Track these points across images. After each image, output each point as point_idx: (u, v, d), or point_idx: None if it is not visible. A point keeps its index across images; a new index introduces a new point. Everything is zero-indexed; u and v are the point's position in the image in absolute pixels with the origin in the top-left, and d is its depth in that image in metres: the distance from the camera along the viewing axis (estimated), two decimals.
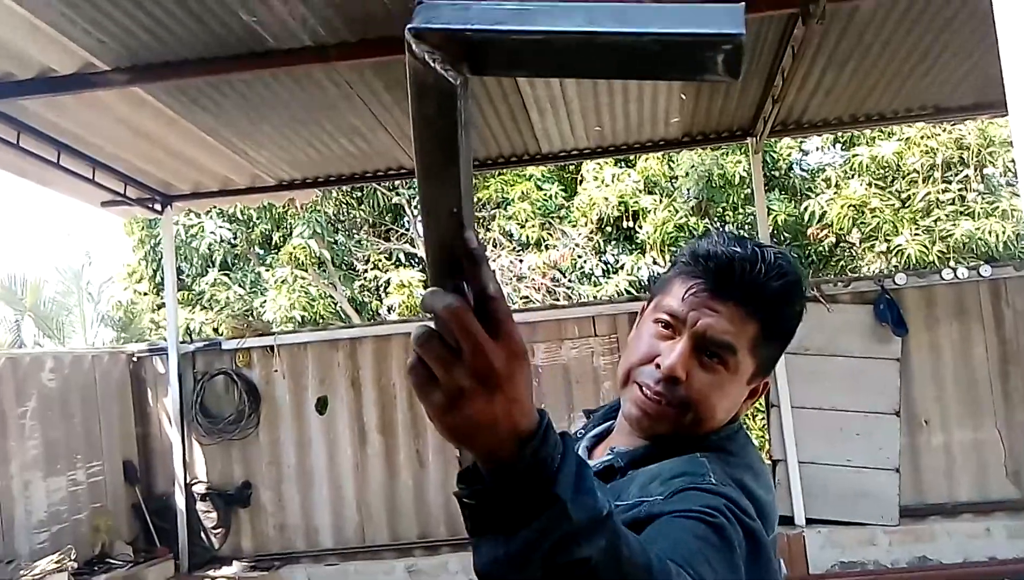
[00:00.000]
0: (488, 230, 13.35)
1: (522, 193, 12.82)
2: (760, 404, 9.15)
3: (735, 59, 0.62)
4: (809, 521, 6.61)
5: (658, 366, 1.21)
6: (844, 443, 6.66)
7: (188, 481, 7.39)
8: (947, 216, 10.94)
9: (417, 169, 0.69)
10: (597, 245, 12.89)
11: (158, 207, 7.40)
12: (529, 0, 0.67)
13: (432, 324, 0.73)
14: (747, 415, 9.78)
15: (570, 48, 0.65)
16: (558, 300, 12.40)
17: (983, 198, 11.05)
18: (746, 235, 1.31)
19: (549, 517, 0.72)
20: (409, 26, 0.67)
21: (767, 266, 1.20)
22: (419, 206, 0.74)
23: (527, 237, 12.80)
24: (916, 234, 10.79)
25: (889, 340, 6.69)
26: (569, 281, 12.94)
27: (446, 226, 0.69)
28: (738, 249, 1.22)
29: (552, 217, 13.06)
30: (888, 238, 11.05)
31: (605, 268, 13.10)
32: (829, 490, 6.67)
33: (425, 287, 1.05)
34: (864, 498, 6.59)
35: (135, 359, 7.69)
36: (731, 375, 1.21)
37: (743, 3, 0.64)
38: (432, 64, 0.67)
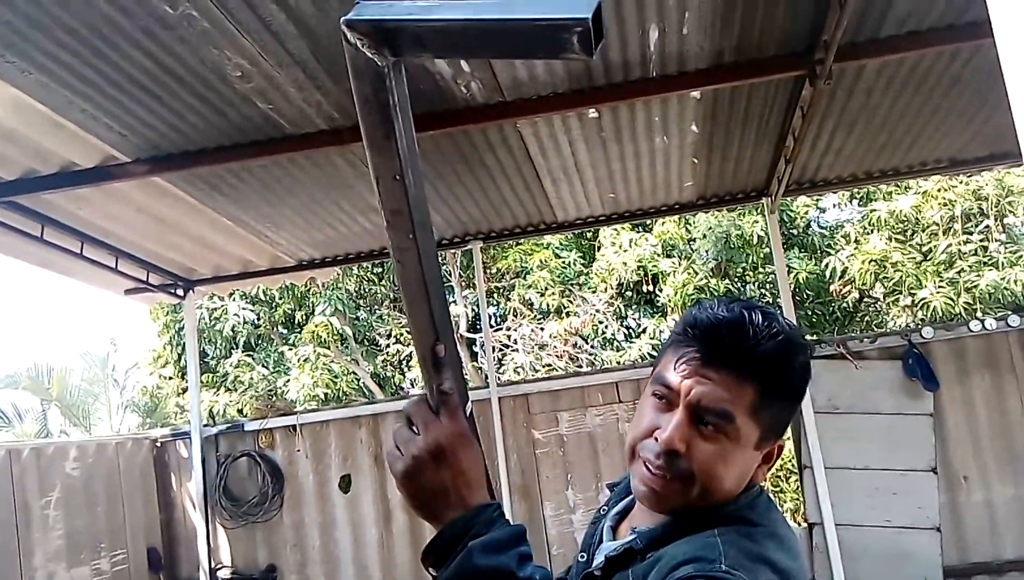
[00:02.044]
0: (508, 300, 13.38)
1: (541, 261, 12.88)
2: (793, 466, 8.94)
3: (586, 39, 0.75)
4: None
5: (657, 440, 1.19)
6: (882, 503, 6.47)
7: (213, 566, 7.29)
8: (970, 267, 10.84)
9: (364, 143, 0.87)
10: (618, 310, 12.86)
11: (180, 292, 7.48)
12: None
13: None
14: (781, 478, 9.58)
15: (461, 32, 0.81)
16: (581, 367, 12.32)
17: (1006, 248, 10.96)
18: (742, 298, 1.30)
19: (460, 561, 0.98)
20: (343, 18, 0.83)
21: (756, 328, 1.17)
22: (371, 176, 0.95)
23: (547, 305, 12.81)
24: (940, 286, 10.68)
25: (921, 395, 6.55)
26: (591, 347, 12.88)
27: (393, 194, 0.91)
28: (725, 314, 1.20)
29: (572, 284, 13.08)
30: (912, 292, 10.94)
31: (627, 333, 13.05)
32: (869, 552, 6.45)
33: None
34: (906, 559, 6.37)
35: (158, 445, 7.67)
36: (734, 443, 1.18)
37: None
38: (362, 49, 0.83)
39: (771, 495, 1.31)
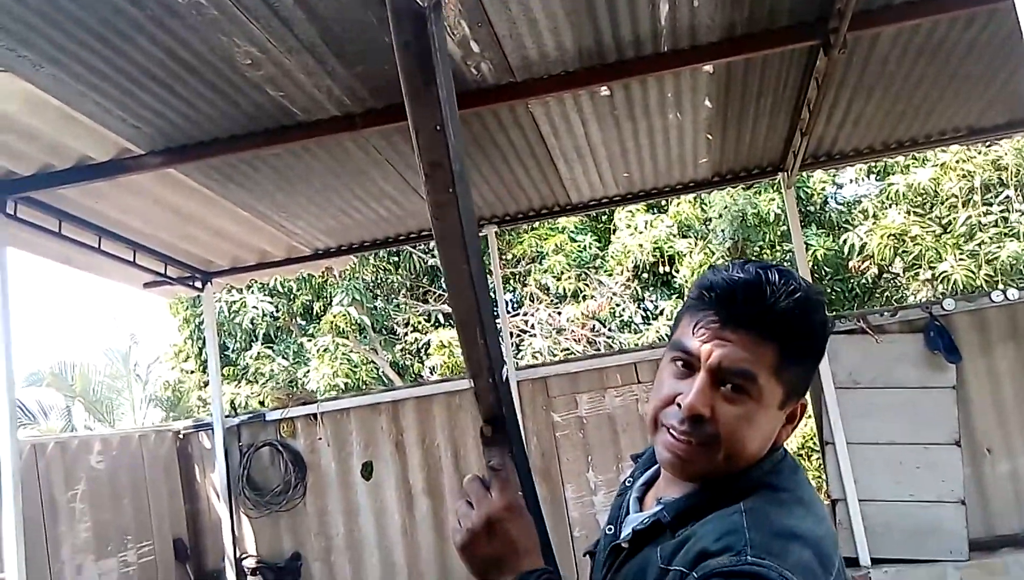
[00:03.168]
0: (525, 285, 13.37)
1: (556, 246, 12.86)
2: (814, 443, 8.89)
3: None
4: (875, 561, 6.33)
5: (680, 406, 1.18)
6: (905, 478, 6.42)
7: (238, 556, 7.36)
8: (991, 239, 10.71)
9: (404, 93, 0.84)
10: (635, 292, 12.82)
11: (198, 284, 7.53)
12: None
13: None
14: (803, 455, 9.54)
15: None
16: (599, 350, 12.30)
17: None
18: (753, 259, 1.28)
19: None
20: None
21: (772, 286, 1.16)
22: (409, 126, 0.91)
23: (564, 289, 12.78)
24: (961, 259, 10.57)
25: (943, 368, 6.48)
26: (609, 330, 12.86)
27: (433, 146, 0.87)
28: (740, 275, 1.19)
29: (588, 267, 13.05)
30: (932, 265, 10.83)
31: (645, 315, 13.01)
32: (893, 528, 6.41)
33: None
34: (931, 534, 6.32)
35: (181, 436, 7.74)
36: (757, 404, 1.17)
37: None
38: None
39: (793, 457, 1.30)
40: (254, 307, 13.56)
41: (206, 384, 14.14)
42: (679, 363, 1.21)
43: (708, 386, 1.16)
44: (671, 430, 1.19)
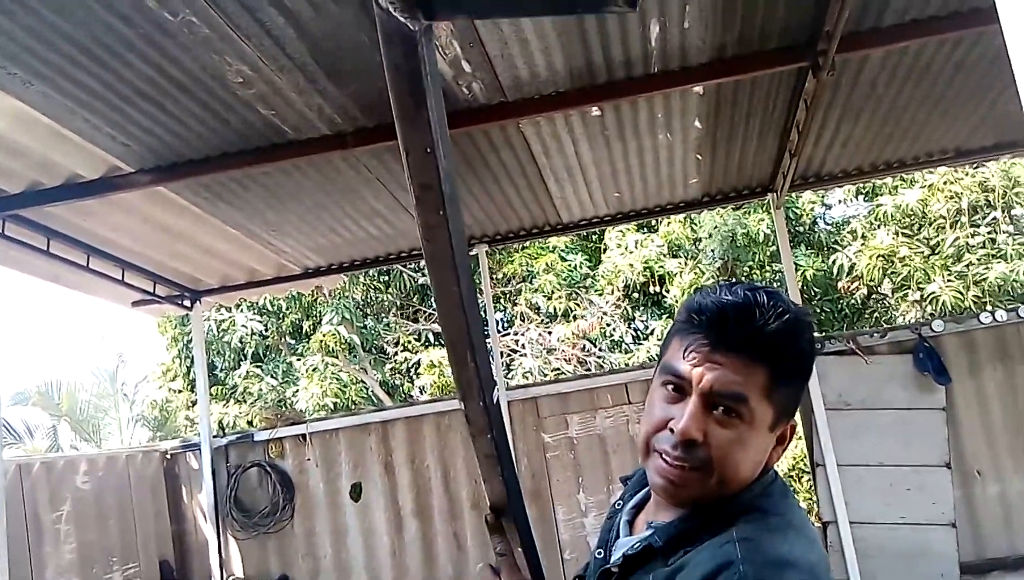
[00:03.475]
0: (515, 304, 13.35)
1: (547, 265, 12.86)
2: (805, 464, 8.88)
3: None
4: None
5: (672, 431, 1.17)
6: (896, 500, 6.41)
7: (225, 577, 7.27)
8: (979, 260, 10.78)
9: (395, 115, 0.83)
10: (625, 312, 12.82)
11: (188, 303, 7.49)
12: None
13: None
14: (794, 477, 9.51)
15: None
16: (589, 370, 12.28)
17: (1014, 239, 10.89)
18: (743, 280, 1.27)
19: None
20: None
21: (761, 309, 1.16)
22: (400, 148, 0.90)
23: (554, 309, 12.77)
24: (949, 280, 10.62)
25: (932, 389, 6.49)
26: (600, 350, 12.84)
27: (424, 168, 0.87)
28: (729, 297, 1.18)
29: (578, 287, 13.05)
30: (921, 286, 10.88)
31: (635, 335, 13.01)
32: (885, 550, 6.39)
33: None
34: (922, 557, 6.31)
35: (168, 456, 7.67)
36: (749, 426, 1.16)
37: None
38: (393, 12, 0.79)
39: (783, 480, 1.29)
40: (243, 326, 13.50)
41: (194, 403, 14.02)
42: (670, 387, 1.20)
43: (700, 410, 1.15)
44: (664, 455, 1.18)
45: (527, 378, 12.19)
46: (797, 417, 1.32)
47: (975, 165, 10.13)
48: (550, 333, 12.81)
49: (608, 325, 12.79)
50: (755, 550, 1.08)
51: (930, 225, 11.45)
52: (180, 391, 15.01)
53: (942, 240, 11.17)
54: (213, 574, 7.23)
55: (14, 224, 5.14)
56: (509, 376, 12.31)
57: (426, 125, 0.86)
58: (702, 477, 1.16)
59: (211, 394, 12.16)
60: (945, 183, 11.07)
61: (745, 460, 1.17)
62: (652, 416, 1.22)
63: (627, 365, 11.73)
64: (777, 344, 1.16)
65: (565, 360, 12.63)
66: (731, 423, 1.15)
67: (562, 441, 7.14)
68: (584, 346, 12.73)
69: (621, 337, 12.81)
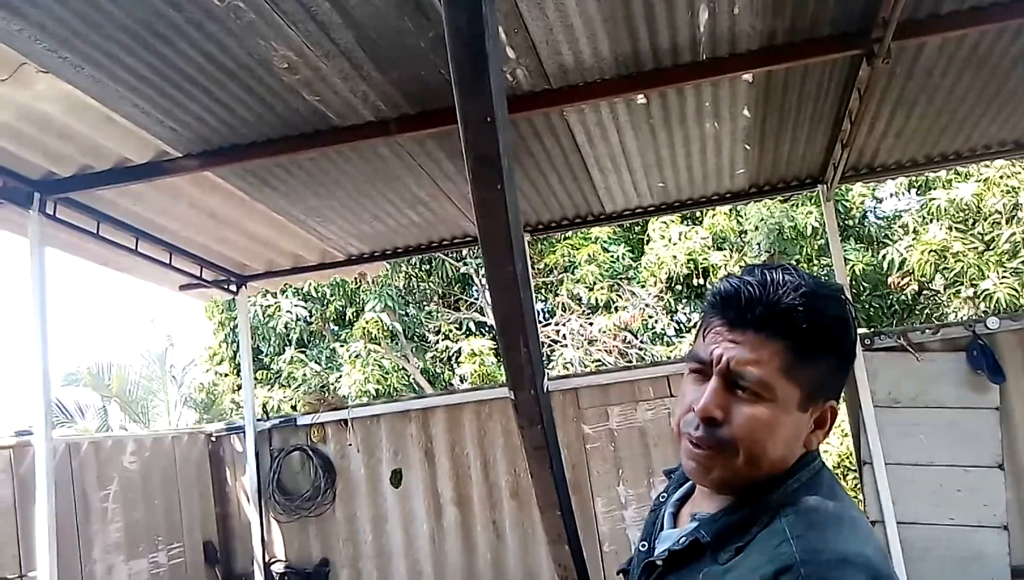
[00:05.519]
0: (557, 295, 13.32)
1: (589, 256, 12.80)
2: (851, 462, 8.72)
3: None
4: None
5: (695, 412, 1.18)
6: (945, 501, 6.24)
7: (267, 560, 7.37)
8: None
9: (454, 82, 0.79)
10: (668, 304, 12.71)
11: (233, 288, 7.59)
12: None
13: None
14: (840, 474, 9.34)
15: None
16: (631, 362, 12.20)
17: None
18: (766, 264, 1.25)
19: None
20: None
21: (775, 285, 1.15)
22: (458, 118, 0.85)
23: (596, 300, 12.72)
24: (1004, 277, 10.33)
25: (986, 388, 6.31)
26: (641, 342, 12.75)
27: (483, 139, 0.81)
28: (747, 278, 1.18)
29: (620, 278, 12.97)
30: (974, 283, 10.60)
31: (677, 327, 12.90)
32: (933, 553, 6.24)
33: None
34: (972, 560, 6.14)
35: (213, 438, 7.79)
36: (771, 404, 1.15)
37: None
38: None
39: (831, 470, 1.25)
40: (288, 311, 13.69)
41: (239, 387, 14.28)
42: (695, 371, 1.23)
43: (720, 389, 1.16)
44: (689, 437, 1.20)
45: (568, 369, 12.16)
46: (841, 405, 1.27)
47: None
48: (591, 324, 12.76)
49: (650, 317, 12.69)
50: (813, 549, 1.06)
51: (985, 220, 11.14)
52: (226, 375, 15.29)
53: (997, 235, 10.86)
54: (255, 556, 7.34)
55: (65, 207, 5.24)
56: (550, 366, 12.28)
57: (487, 93, 0.83)
58: (727, 457, 1.15)
59: (256, 378, 12.35)
60: (1001, 177, 10.76)
61: (773, 440, 1.15)
62: (681, 401, 1.24)
63: (669, 357, 11.63)
64: (793, 318, 1.14)
65: (606, 351, 12.57)
66: (752, 401, 1.15)
67: (602, 433, 7.09)
68: (625, 338, 12.65)
69: (663, 329, 12.71)
